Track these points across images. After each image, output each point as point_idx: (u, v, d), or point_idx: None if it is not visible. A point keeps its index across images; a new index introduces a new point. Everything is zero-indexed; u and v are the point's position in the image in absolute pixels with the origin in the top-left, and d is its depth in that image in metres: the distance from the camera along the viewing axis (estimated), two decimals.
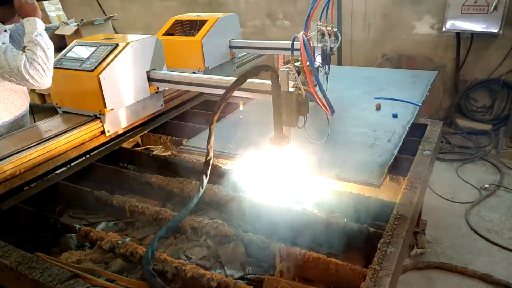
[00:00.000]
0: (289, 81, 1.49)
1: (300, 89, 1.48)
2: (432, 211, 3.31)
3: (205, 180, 1.71)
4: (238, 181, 1.89)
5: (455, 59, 4.71)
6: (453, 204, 3.46)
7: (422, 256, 2.87)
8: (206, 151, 1.67)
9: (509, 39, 4.38)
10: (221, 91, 2.09)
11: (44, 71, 1.98)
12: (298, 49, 1.46)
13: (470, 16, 4.27)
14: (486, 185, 3.67)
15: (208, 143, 1.65)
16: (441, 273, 2.74)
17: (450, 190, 3.65)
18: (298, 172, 1.77)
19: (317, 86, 1.45)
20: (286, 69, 1.48)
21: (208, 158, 1.68)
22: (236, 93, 1.69)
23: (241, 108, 2.49)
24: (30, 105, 2.39)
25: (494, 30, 4.20)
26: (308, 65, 1.42)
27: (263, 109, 2.50)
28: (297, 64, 1.53)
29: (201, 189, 1.71)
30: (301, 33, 1.45)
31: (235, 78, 2.08)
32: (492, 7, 4.11)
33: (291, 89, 1.48)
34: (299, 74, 1.50)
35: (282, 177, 1.70)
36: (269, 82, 1.48)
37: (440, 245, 2.99)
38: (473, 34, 4.48)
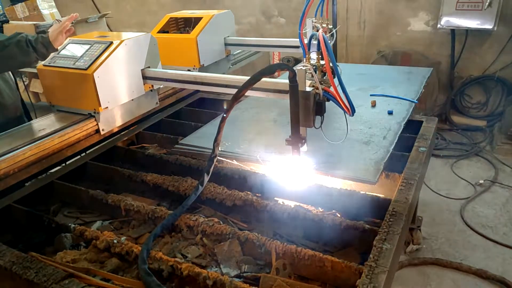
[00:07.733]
0: (306, 80, 1.45)
1: (317, 88, 1.45)
2: (427, 207, 3.32)
3: (206, 178, 1.69)
4: (237, 180, 1.88)
5: (450, 55, 4.72)
6: (448, 200, 3.48)
7: (418, 252, 2.88)
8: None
9: (503, 35, 4.40)
10: (216, 89, 2.08)
11: None
12: (297, 47, 1.45)
13: (465, 12, 4.28)
14: (481, 181, 3.69)
15: (215, 140, 1.62)
16: (436, 269, 2.76)
17: (445, 186, 3.66)
18: (297, 170, 1.76)
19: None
20: (304, 68, 1.45)
21: (212, 155, 1.65)
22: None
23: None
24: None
25: (489, 26, 4.22)
26: (330, 64, 1.38)
27: (259, 107, 2.50)
28: (313, 62, 1.49)
29: (200, 187, 1.69)
30: (320, 30, 1.43)
31: (231, 76, 2.08)
32: (487, 3, 4.12)
33: (308, 88, 1.45)
34: (315, 72, 1.47)
35: (284, 175, 1.68)
36: (285, 81, 1.44)
37: (436, 241, 3.00)
38: (468, 31, 4.49)
